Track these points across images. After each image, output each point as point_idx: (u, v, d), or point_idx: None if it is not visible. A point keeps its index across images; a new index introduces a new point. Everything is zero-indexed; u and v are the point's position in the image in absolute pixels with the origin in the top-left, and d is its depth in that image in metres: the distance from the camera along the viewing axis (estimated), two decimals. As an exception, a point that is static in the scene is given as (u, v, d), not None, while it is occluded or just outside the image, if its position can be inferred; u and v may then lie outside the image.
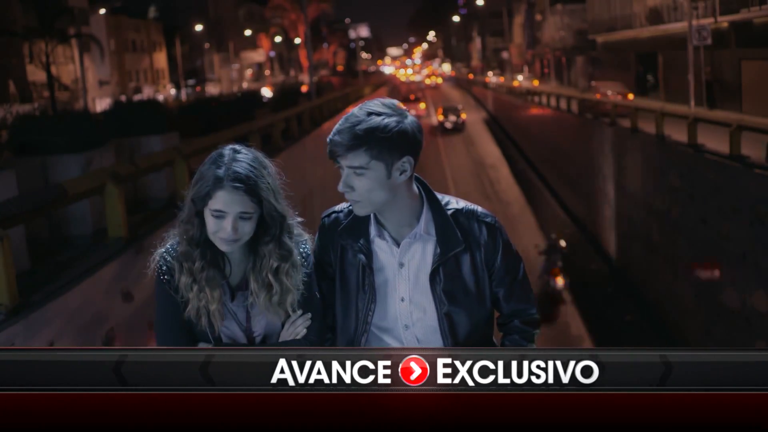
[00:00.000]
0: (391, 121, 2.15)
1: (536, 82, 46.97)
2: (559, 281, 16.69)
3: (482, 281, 2.32)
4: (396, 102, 2.21)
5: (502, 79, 55.56)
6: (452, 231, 2.28)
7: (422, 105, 55.29)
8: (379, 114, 2.15)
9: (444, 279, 2.28)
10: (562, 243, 17.49)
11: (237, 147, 2.20)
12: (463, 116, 44.89)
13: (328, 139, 2.19)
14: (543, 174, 28.18)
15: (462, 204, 2.34)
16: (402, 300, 2.30)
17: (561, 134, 25.99)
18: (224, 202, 2.12)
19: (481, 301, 2.33)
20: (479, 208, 2.35)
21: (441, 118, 44.82)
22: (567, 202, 24.27)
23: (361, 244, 2.29)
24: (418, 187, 2.30)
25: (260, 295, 2.21)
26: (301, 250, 2.28)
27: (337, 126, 2.18)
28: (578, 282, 17.47)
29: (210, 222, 2.15)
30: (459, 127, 43.41)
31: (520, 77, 51.84)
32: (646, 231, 16.12)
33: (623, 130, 18.40)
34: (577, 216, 22.30)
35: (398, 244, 2.29)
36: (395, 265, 2.29)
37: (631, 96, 25.88)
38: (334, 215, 2.36)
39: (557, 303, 16.42)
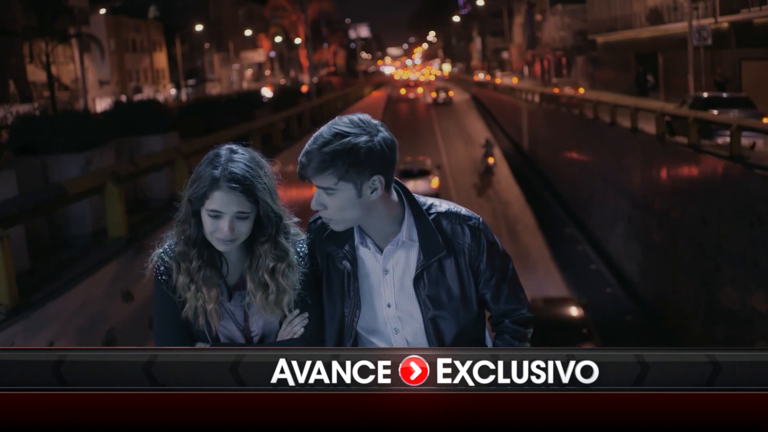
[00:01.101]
0: (359, 141, 2.09)
1: (515, 80, 60.96)
2: (491, 161, 32.68)
3: (467, 284, 2.30)
4: (367, 117, 2.16)
5: (488, 77, 72.29)
6: (434, 236, 2.25)
7: (420, 89, 76.75)
8: (346, 135, 2.10)
9: (428, 284, 2.26)
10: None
11: (233, 147, 2.18)
12: (451, 93, 64.33)
13: (298, 159, 2.15)
14: (495, 117, 50.14)
15: (445, 207, 2.31)
16: (388, 306, 2.29)
17: (503, 102, 47.06)
18: (221, 202, 2.11)
19: (467, 304, 2.31)
20: (463, 210, 2.31)
21: (434, 95, 63.28)
22: (506, 130, 44.91)
23: (346, 251, 2.27)
24: (398, 192, 2.27)
25: (256, 295, 2.20)
26: (299, 249, 2.28)
27: (305, 147, 2.14)
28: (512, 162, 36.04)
29: (207, 222, 2.14)
30: (447, 102, 61.59)
31: (500, 75, 69.48)
32: (545, 156, 32.28)
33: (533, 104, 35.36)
34: (510, 136, 42.56)
35: (381, 251, 2.27)
36: (380, 272, 2.28)
37: (581, 90, 38.05)
38: (320, 221, 2.32)
39: (490, 173, 32.24)
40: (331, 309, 2.31)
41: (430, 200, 2.32)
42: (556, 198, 27.79)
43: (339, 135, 2.10)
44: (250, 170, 2.13)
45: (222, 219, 2.12)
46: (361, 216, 2.18)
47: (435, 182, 27.11)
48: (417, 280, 2.26)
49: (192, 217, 2.16)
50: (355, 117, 2.16)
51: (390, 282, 2.28)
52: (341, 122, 2.13)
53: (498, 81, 59.90)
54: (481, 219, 2.32)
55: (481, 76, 76.76)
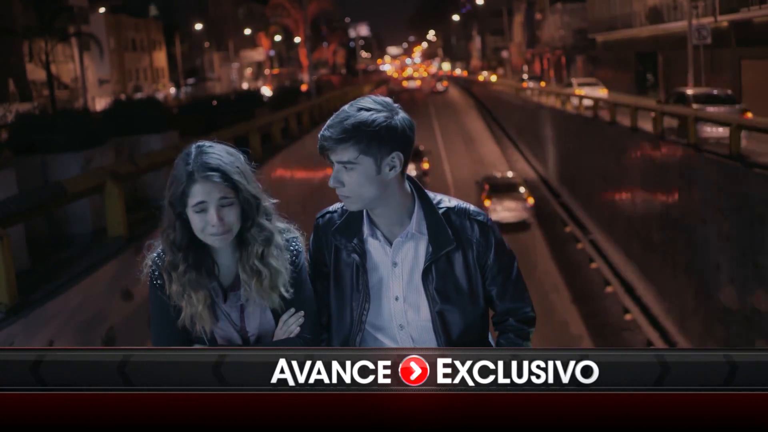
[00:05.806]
0: (379, 116, 2.16)
1: (466, 73, 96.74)
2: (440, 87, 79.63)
3: (475, 280, 2.32)
4: (389, 99, 2.23)
5: (455, 73, 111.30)
6: (444, 229, 2.28)
7: (415, 74, 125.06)
8: (368, 110, 2.17)
9: (436, 277, 2.28)
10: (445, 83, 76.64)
11: (201, 143, 2.22)
12: (429, 72, 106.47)
13: (319, 135, 2.21)
14: (471, 90, 74.30)
15: (454, 202, 2.34)
16: (396, 299, 2.30)
17: (481, 86, 68.14)
18: (202, 192, 2.13)
19: (474, 299, 2.32)
20: (471, 207, 2.34)
21: (425, 74, 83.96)
22: (476, 95, 67.43)
23: (355, 244, 2.29)
24: (410, 186, 2.31)
25: (251, 283, 2.20)
26: (292, 247, 2.29)
27: (328, 122, 2.20)
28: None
29: (195, 220, 2.15)
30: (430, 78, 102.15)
31: (460, 70, 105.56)
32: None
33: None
34: (477, 97, 65.28)
35: (391, 243, 2.29)
36: (389, 264, 2.29)
37: (480, 77, 71.22)
38: (328, 215, 2.36)
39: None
40: (340, 304, 2.32)
41: (439, 196, 2.35)
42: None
43: (362, 110, 2.17)
44: (221, 158, 2.18)
45: (208, 211, 2.14)
46: (377, 195, 2.21)
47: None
48: (425, 274, 2.27)
49: (176, 221, 2.18)
50: (377, 97, 2.23)
51: (399, 275, 2.29)
52: (364, 100, 2.21)
53: (461, 74, 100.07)
54: (489, 216, 2.35)
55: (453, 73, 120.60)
